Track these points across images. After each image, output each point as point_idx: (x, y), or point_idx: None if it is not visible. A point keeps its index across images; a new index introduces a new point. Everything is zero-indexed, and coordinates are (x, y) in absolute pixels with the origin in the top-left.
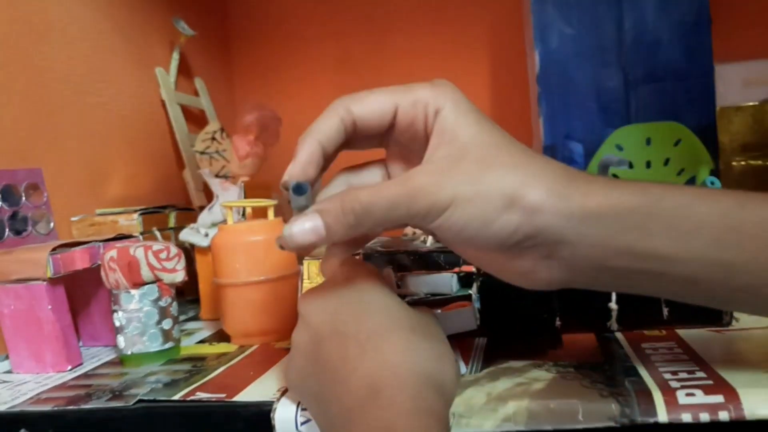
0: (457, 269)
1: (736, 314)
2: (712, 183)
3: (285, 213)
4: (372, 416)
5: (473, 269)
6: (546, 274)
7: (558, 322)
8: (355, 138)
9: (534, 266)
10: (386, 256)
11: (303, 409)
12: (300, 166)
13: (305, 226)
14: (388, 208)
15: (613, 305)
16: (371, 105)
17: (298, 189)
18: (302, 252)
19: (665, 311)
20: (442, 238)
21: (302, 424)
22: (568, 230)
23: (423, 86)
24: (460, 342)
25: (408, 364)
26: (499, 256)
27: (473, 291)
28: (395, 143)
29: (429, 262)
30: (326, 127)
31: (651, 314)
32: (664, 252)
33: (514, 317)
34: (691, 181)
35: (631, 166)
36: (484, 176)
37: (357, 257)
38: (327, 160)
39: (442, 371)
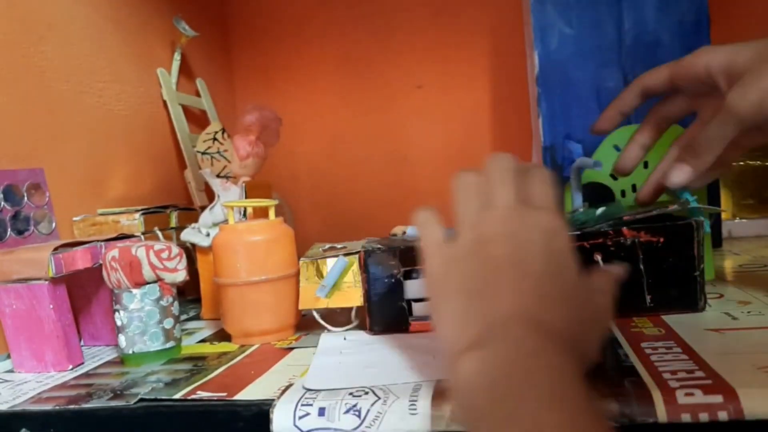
0: None
1: (735, 314)
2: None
3: (285, 213)
4: (508, 339)
5: None
6: None
7: None
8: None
9: None
10: (390, 251)
11: (303, 405)
12: (604, 121)
13: (682, 170)
14: (727, 133)
15: None
16: (653, 75)
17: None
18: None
19: (648, 298)
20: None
21: (300, 418)
22: None
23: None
24: None
25: (558, 318)
26: None
27: None
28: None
29: None
30: (626, 98)
31: (636, 301)
32: None
33: None
34: None
35: None
36: None
37: (357, 253)
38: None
39: (584, 336)
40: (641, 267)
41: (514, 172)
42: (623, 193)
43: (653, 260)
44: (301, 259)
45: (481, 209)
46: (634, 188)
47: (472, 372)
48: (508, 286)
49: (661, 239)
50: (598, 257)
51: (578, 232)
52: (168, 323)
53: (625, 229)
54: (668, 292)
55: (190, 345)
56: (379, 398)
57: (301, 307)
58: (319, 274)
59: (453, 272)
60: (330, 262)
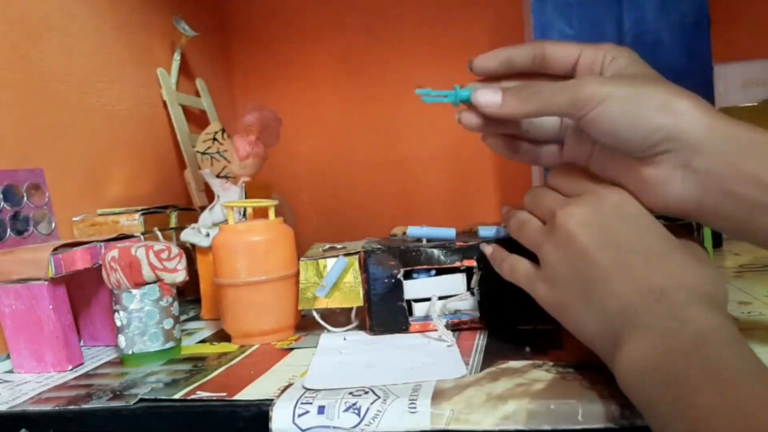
0: (458, 264)
1: (736, 314)
2: None
3: (285, 213)
4: (658, 312)
5: (474, 263)
6: (678, 187)
7: None
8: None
9: (668, 176)
10: (390, 252)
11: (302, 403)
12: (486, 58)
13: (487, 94)
14: (555, 91)
15: None
16: (561, 47)
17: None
18: (475, 126)
19: None
20: (593, 131)
21: (299, 416)
22: (707, 141)
23: (607, 44)
24: (460, 342)
25: (691, 280)
26: (636, 163)
27: (473, 283)
28: None
29: (431, 258)
30: (519, 49)
31: None
32: None
33: (511, 307)
34: None
35: None
36: (641, 85)
37: (357, 253)
38: (507, 71)
39: (719, 293)
40: None
41: (544, 188)
42: None
43: None
44: (301, 259)
45: (542, 227)
46: None
47: (631, 366)
48: (611, 270)
49: None
50: None
51: None
52: (168, 323)
53: None
54: None
55: (189, 345)
56: (379, 397)
57: (300, 307)
58: (319, 275)
59: (559, 288)
60: (330, 262)
